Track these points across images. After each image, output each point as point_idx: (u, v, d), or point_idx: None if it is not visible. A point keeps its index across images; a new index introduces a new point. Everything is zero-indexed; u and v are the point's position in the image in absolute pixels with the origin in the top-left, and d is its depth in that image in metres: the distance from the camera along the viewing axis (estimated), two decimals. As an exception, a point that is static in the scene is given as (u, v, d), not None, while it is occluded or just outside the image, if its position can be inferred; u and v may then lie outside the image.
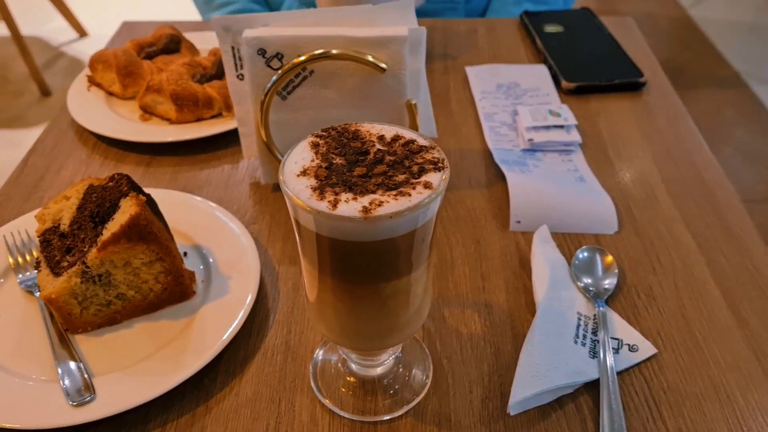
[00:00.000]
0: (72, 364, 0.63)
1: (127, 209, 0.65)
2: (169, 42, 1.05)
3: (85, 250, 0.66)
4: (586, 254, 0.73)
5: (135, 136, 0.92)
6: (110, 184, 0.70)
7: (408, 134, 0.52)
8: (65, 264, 0.67)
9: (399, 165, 0.49)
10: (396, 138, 0.52)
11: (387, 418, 0.59)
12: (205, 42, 1.11)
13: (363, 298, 0.52)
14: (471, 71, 1.09)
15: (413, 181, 0.48)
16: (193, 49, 1.08)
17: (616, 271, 0.72)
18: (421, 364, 0.64)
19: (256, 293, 0.69)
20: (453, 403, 0.61)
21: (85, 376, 0.61)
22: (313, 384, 0.63)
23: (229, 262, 0.73)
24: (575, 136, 0.91)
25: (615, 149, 0.93)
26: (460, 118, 0.99)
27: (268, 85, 0.77)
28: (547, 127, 0.93)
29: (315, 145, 0.52)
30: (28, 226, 0.77)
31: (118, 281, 0.66)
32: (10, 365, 0.64)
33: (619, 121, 0.98)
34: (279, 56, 0.77)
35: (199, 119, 0.96)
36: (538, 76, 1.07)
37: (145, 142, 0.92)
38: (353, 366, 0.62)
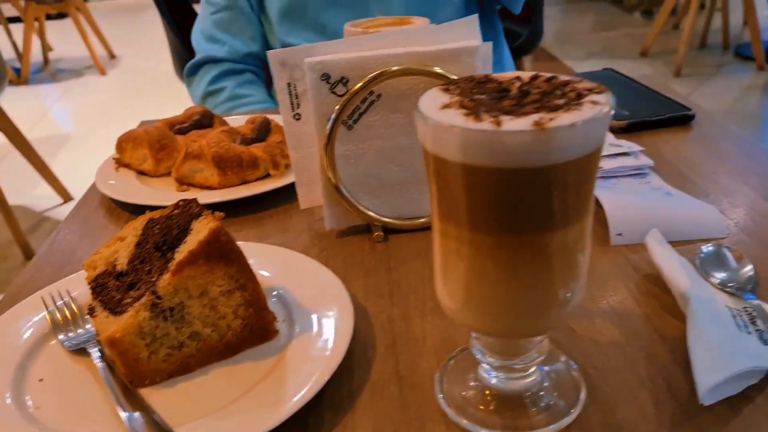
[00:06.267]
0: (139, 416, 0.50)
1: (204, 227, 0.56)
2: (202, 118, 1.00)
3: (154, 280, 0.56)
4: (711, 249, 0.66)
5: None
6: (175, 211, 0.61)
7: (546, 75, 0.46)
8: (129, 300, 0.56)
9: (551, 94, 0.43)
10: (535, 77, 0.46)
11: (551, 427, 0.48)
12: (237, 123, 1.07)
13: (522, 254, 0.43)
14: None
15: (575, 103, 0.41)
16: (225, 125, 1.03)
17: (751, 265, 0.64)
18: (567, 374, 0.54)
19: (352, 323, 0.58)
20: (620, 413, 0.50)
21: (165, 428, 0.49)
22: (444, 406, 0.51)
23: (313, 298, 0.63)
24: (645, 160, 0.86)
25: (691, 169, 0.88)
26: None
27: (333, 116, 0.72)
28: (613, 156, 0.88)
29: (446, 90, 0.45)
30: (68, 287, 0.67)
31: (192, 316, 0.56)
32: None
33: (681, 148, 0.94)
34: (344, 81, 0.72)
35: (243, 182, 0.89)
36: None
37: (189, 205, 0.84)
38: (493, 380, 0.52)
